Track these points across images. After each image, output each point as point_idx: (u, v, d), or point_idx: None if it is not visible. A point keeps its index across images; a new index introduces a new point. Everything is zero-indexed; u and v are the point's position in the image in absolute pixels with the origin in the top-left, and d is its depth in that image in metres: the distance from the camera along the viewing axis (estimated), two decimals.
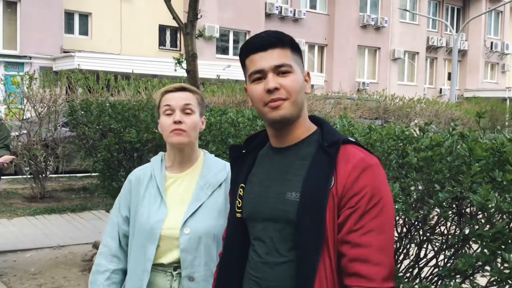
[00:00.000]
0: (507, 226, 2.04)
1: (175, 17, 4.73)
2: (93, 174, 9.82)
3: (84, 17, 21.77)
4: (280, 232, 1.51)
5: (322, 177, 1.44)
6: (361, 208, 1.40)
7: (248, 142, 1.75)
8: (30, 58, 19.53)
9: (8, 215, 7.33)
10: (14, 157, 4.98)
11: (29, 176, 8.56)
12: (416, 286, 2.31)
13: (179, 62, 4.71)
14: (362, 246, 1.39)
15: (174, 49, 23.86)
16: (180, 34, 23.58)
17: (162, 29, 23.35)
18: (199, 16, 4.66)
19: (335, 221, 1.43)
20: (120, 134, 4.79)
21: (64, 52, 19.87)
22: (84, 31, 21.85)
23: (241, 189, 1.66)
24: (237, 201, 1.66)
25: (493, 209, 2.06)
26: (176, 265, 2.02)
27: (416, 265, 2.62)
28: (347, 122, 2.89)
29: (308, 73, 1.62)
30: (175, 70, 4.75)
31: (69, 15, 21.16)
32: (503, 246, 2.03)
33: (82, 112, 5.80)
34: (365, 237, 1.39)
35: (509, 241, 2.01)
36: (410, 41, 30.32)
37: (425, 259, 2.59)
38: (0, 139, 4.95)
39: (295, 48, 1.57)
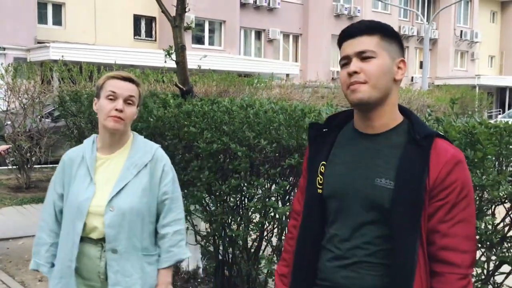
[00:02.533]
0: (477, 198, 2.34)
1: (164, 11, 4.91)
2: None
3: (58, 6, 21.51)
4: (366, 215, 1.59)
5: (417, 168, 1.51)
6: (451, 201, 1.51)
7: (329, 121, 1.79)
8: (4, 49, 19.25)
9: None
10: (10, 145, 5.13)
11: (13, 167, 8.64)
12: None
13: (168, 54, 4.91)
14: (452, 236, 1.50)
15: (150, 39, 23.79)
16: (155, 24, 23.53)
17: (137, 19, 23.23)
18: (187, 10, 4.86)
19: (426, 211, 1.52)
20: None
21: (38, 42, 19.64)
22: (57, 21, 21.58)
23: (322, 166, 1.71)
24: (319, 178, 1.71)
25: None
26: (104, 239, 2.22)
27: None
28: (334, 109, 3.15)
29: (401, 60, 1.64)
30: (165, 61, 4.94)
31: (42, 5, 20.85)
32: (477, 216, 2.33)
33: (72, 103, 5.94)
34: (454, 228, 1.51)
35: (480, 211, 2.31)
36: None
37: None
38: None
39: (387, 35, 1.63)
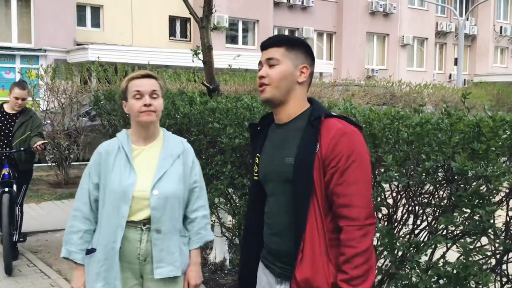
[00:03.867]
0: (481, 187, 2.42)
1: (192, 12, 5.11)
2: None
3: (96, 9, 22.10)
4: (283, 187, 1.95)
5: (309, 145, 1.86)
6: (341, 167, 1.82)
7: (262, 121, 2.19)
8: (45, 51, 19.92)
9: (36, 200, 7.81)
10: (47, 141, 5.42)
11: (53, 164, 9.04)
12: (408, 243, 2.71)
13: (196, 53, 5.10)
14: (346, 195, 1.81)
15: (184, 39, 24.19)
16: (190, 25, 23.91)
17: (172, 20, 23.64)
18: (213, 11, 5.04)
19: (321, 178, 1.85)
20: None
21: (77, 44, 20.26)
22: (96, 23, 22.18)
23: (257, 158, 2.11)
24: (255, 167, 2.12)
25: (471, 174, 2.44)
26: (145, 221, 2.42)
27: (413, 233, 3.01)
28: (349, 105, 3.27)
29: (304, 66, 2.01)
30: (193, 61, 5.14)
31: (81, 8, 21.47)
32: (479, 204, 2.42)
33: (106, 102, 6.21)
34: (348, 188, 1.81)
35: (483, 200, 2.40)
36: (419, 27, 30.39)
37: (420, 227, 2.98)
38: (34, 127, 5.39)
39: (292, 46, 2.00)
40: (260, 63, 2.04)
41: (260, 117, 3.72)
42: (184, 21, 23.99)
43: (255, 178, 2.13)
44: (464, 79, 29.19)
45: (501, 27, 33.84)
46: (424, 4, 30.17)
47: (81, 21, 21.57)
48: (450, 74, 32.10)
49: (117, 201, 2.40)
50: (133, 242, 2.43)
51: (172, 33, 23.89)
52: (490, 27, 33.79)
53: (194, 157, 2.61)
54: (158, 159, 2.48)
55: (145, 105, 2.41)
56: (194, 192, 2.56)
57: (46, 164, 9.27)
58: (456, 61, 24.78)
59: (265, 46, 2.03)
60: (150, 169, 2.46)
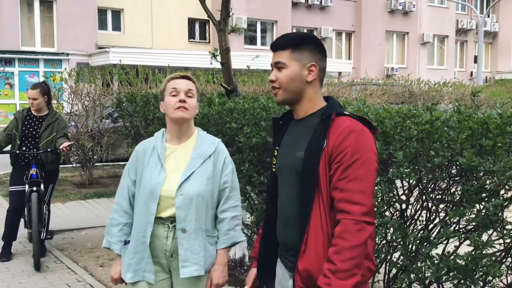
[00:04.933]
0: (488, 182, 2.52)
1: (210, 16, 5.25)
2: None
3: (117, 13, 22.47)
4: (294, 180, 2.03)
5: (318, 141, 1.94)
6: (345, 162, 1.87)
7: (284, 115, 2.26)
8: (67, 55, 20.36)
9: (62, 199, 8.05)
10: (72, 142, 5.63)
11: (77, 165, 9.29)
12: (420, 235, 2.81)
13: (214, 56, 5.25)
14: (346, 191, 1.85)
15: (204, 41, 24.44)
16: (209, 27, 24.14)
17: (191, 22, 23.90)
18: (231, 14, 5.18)
19: (326, 173, 1.91)
20: (164, 121, 5.35)
21: (99, 48, 20.63)
22: (116, 27, 22.55)
23: (275, 151, 2.19)
24: (273, 160, 2.21)
25: (478, 169, 2.53)
26: (172, 219, 2.50)
27: (426, 228, 3.11)
28: (362, 104, 3.37)
29: (312, 65, 2.03)
30: (211, 63, 5.29)
31: (102, 12, 21.85)
32: (486, 198, 2.51)
33: (129, 104, 6.40)
34: (349, 184, 1.85)
35: (490, 194, 2.49)
36: (439, 24, 30.18)
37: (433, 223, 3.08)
38: (59, 129, 5.61)
39: (297, 47, 2.03)
40: (271, 65, 2.12)
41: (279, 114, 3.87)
42: (203, 23, 24.24)
43: (273, 169, 2.21)
44: (486, 77, 28.90)
45: None
46: (444, 2, 29.94)
47: (102, 25, 21.95)
48: (472, 72, 31.80)
49: (147, 198, 2.52)
50: (161, 238, 2.54)
51: (191, 35, 24.15)
52: (511, 24, 33.37)
53: (227, 158, 2.64)
54: (189, 159, 2.56)
55: (180, 100, 2.52)
56: (224, 193, 2.61)
57: (70, 165, 9.53)
58: (475, 59, 24.52)
59: (272, 48, 2.09)
60: (180, 169, 2.54)
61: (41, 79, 19.13)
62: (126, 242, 2.61)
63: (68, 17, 20.03)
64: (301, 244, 1.94)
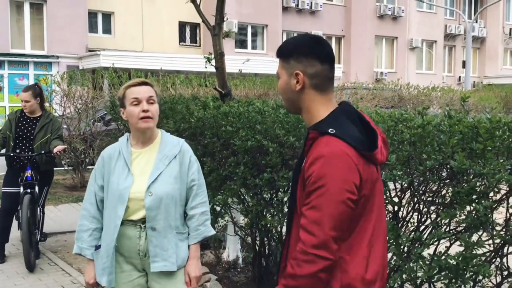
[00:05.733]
0: (478, 184, 2.60)
1: (204, 20, 5.32)
2: None
3: (107, 16, 22.41)
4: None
5: (300, 159, 1.87)
6: (308, 188, 1.73)
7: None
8: (58, 57, 20.25)
9: (54, 202, 8.06)
10: (66, 146, 5.66)
11: (69, 168, 9.30)
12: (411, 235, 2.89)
13: (208, 60, 5.31)
14: (305, 217, 1.72)
15: (194, 44, 24.46)
16: (199, 30, 24.18)
17: (182, 25, 23.90)
18: (225, 19, 5.25)
19: (301, 192, 1.80)
20: (159, 125, 5.41)
21: (89, 51, 20.57)
22: (107, 29, 22.48)
23: None
24: None
25: (469, 171, 2.62)
26: (143, 220, 2.60)
27: (418, 230, 3.19)
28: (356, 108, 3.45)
29: (296, 73, 1.86)
30: (205, 67, 5.35)
31: (92, 15, 21.78)
32: (476, 200, 2.60)
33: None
34: (308, 211, 1.71)
35: (480, 196, 2.58)
36: (427, 30, 30.47)
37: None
38: (53, 131, 5.64)
39: (283, 56, 1.92)
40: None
41: (271, 120, 3.95)
42: (194, 27, 24.26)
43: None
44: (474, 82, 29.23)
45: (510, 29, 33.83)
46: (433, 7, 30.25)
47: (92, 28, 21.87)
48: (460, 77, 32.10)
49: (115, 202, 2.60)
50: (134, 239, 2.63)
51: (182, 38, 24.15)
52: (499, 29, 33.79)
53: (192, 156, 2.73)
54: (154, 161, 2.64)
55: (143, 110, 2.57)
56: (192, 190, 2.70)
57: (62, 168, 9.52)
58: (464, 64, 24.82)
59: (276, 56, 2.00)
60: (146, 171, 2.63)
61: (31, 81, 19.13)
62: (97, 247, 2.69)
63: (59, 20, 19.94)
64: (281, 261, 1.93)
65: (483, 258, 2.74)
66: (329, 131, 1.76)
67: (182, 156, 2.69)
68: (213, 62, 5.32)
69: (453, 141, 2.67)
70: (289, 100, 1.94)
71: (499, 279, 3.06)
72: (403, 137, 2.93)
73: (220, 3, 5.23)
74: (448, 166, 2.88)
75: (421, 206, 3.19)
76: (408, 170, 2.94)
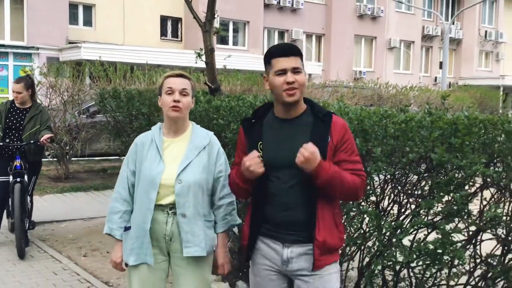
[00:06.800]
0: (456, 175, 2.84)
1: (196, 17, 5.48)
2: (110, 158, 10.67)
3: (88, 8, 22.25)
4: (294, 172, 2.39)
5: (322, 136, 2.39)
6: (350, 147, 2.46)
7: (255, 114, 2.58)
8: (38, 49, 20.04)
9: (39, 192, 8.11)
10: (52, 135, 5.77)
11: (53, 159, 9.34)
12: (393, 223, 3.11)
13: (199, 55, 5.47)
14: (353, 162, 2.45)
15: (175, 39, 24.46)
16: (181, 25, 24.21)
17: (163, 19, 23.87)
18: (216, 16, 5.41)
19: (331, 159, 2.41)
20: (150, 117, 5.56)
21: (70, 43, 20.42)
22: (88, 22, 22.33)
23: (260, 144, 2.47)
24: (260, 153, 2.45)
25: (447, 164, 2.85)
26: (171, 206, 2.72)
27: (398, 219, 3.42)
28: (342, 104, 3.67)
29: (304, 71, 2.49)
30: (196, 62, 5.51)
31: (73, 6, 21.60)
32: (454, 190, 2.83)
33: (112, 100, 6.55)
34: (352, 157, 2.45)
35: (458, 186, 2.81)
36: (405, 30, 30.98)
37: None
38: (43, 121, 5.74)
39: (302, 56, 2.45)
40: (283, 70, 2.40)
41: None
42: (176, 21, 24.27)
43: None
44: (449, 82, 29.87)
45: (485, 31, 34.58)
46: (411, 8, 30.77)
47: (73, 20, 21.67)
48: (436, 77, 32.73)
49: (147, 187, 2.74)
50: (161, 224, 2.76)
51: (163, 32, 24.12)
52: (475, 32, 34.52)
53: (220, 149, 2.88)
54: (185, 151, 2.77)
55: (174, 100, 2.72)
56: (220, 181, 2.82)
57: (46, 159, 9.56)
58: (441, 65, 25.36)
59: (286, 53, 2.41)
60: (177, 160, 2.76)
61: (11, 73, 18.98)
62: (126, 228, 2.82)
63: (39, 11, 19.73)
64: (312, 222, 2.40)
65: (459, 245, 2.98)
66: (331, 111, 2.50)
67: (211, 147, 2.83)
68: (203, 57, 5.47)
69: (434, 136, 2.89)
70: (303, 93, 2.41)
71: (472, 265, 3.31)
72: (388, 131, 3.15)
73: (211, 0, 5.39)
74: (428, 159, 3.11)
75: (401, 197, 3.43)
76: (392, 162, 3.16)
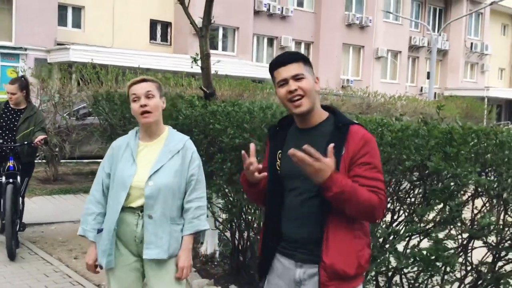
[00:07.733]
0: (452, 184, 2.92)
1: (192, 22, 5.53)
2: (99, 160, 10.63)
3: (77, 10, 22.15)
4: (308, 184, 2.19)
5: (336, 148, 2.12)
6: (369, 163, 2.19)
7: (280, 123, 2.46)
8: (25, 49, 19.90)
9: (28, 195, 8.00)
10: (46, 136, 5.76)
11: (42, 161, 9.30)
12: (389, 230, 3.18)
13: (195, 60, 5.52)
14: (372, 178, 2.17)
15: (165, 43, 24.46)
16: (170, 29, 24.22)
17: (153, 23, 23.86)
18: (212, 21, 5.47)
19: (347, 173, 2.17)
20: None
21: (58, 44, 20.30)
22: (77, 23, 22.21)
23: (279, 154, 2.34)
24: (278, 162, 2.34)
25: (445, 172, 2.93)
26: (142, 208, 2.77)
27: (391, 225, 3.49)
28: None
29: (317, 78, 2.30)
30: (191, 67, 5.56)
31: (62, 8, 21.49)
32: (449, 198, 2.91)
33: (106, 102, 6.56)
34: (373, 173, 2.18)
35: (453, 194, 2.89)
36: (393, 40, 31.32)
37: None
38: (37, 123, 5.73)
39: (306, 62, 2.29)
40: (284, 80, 2.26)
41: (259, 120, 4.18)
42: (165, 25, 24.28)
43: (278, 172, 2.33)
44: (435, 93, 30.21)
45: (471, 43, 35.09)
46: (399, 19, 31.13)
47: (62, 21, 21.55)
48: (422, 87, 33.10)
49: (118, 189, 2.80)
50: (131, 226, 2.81)
51: (152, 36, 24.10)
52: (461, 43, 35.00)
53: (194, 153, 2.89)
54: (158, 154, 2.83)
55: (141, 105, 2.75)
56: (190, 185, 2.85)
57: (35, 161, 9.50)
58: (428, 75, 25.68)
59: (284, 62, 2.27)
60: (150, 163, 2.81)
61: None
62: (99, 231, 2.85)
63: (28, 11, 19.61)
64: (320, 240, 2.18)
65: (452, 251, 3.05)
66: (355, 121, 2.32)
67: (185, 152, 2.87)
68: (199, 62, 5.52)
69: (430, 144, 2.97)
70: (313, 98, 2.26)
71: (463, 273, 3.38)
72: (385, 139, 3.22)
73: (208, 6, 5.44)
74: (421, 167, 3.19)
75: (395, 204, 3.50)
76: (388, 170, 3.23)
